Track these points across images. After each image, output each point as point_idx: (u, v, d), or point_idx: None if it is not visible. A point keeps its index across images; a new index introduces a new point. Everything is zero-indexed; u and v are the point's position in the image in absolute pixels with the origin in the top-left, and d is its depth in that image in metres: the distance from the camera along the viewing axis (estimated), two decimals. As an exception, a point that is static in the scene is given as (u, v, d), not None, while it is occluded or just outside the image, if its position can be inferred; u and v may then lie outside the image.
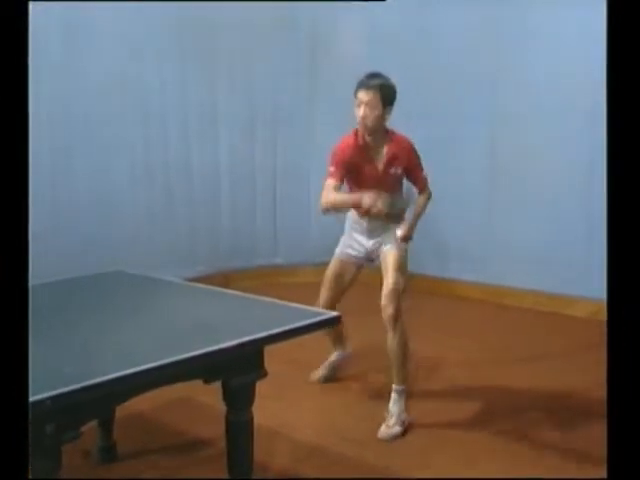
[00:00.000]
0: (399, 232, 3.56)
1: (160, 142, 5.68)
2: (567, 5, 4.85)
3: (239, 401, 2.58)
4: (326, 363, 4.11)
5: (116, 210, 5.44)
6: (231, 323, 2.65)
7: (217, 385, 2.54)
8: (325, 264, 3.80)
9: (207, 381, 2.50)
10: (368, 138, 3.49)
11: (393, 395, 3.50)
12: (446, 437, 3.39)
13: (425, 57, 5.57)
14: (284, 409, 3.66)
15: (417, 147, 3.59)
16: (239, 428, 2.61)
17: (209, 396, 2.83)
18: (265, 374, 2.60)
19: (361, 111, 3.40)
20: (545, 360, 4.37)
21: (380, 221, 3.56)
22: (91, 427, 2.86)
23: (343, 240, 3.76)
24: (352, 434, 3.41)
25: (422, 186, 3.63)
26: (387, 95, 3.42)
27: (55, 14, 4.80)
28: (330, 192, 3.45)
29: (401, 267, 3.54)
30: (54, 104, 4.97)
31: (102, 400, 2.16)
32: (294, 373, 4.12)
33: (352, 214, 3.70)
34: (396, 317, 3.41)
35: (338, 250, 3.76)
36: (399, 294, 3.47)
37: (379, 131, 3.48)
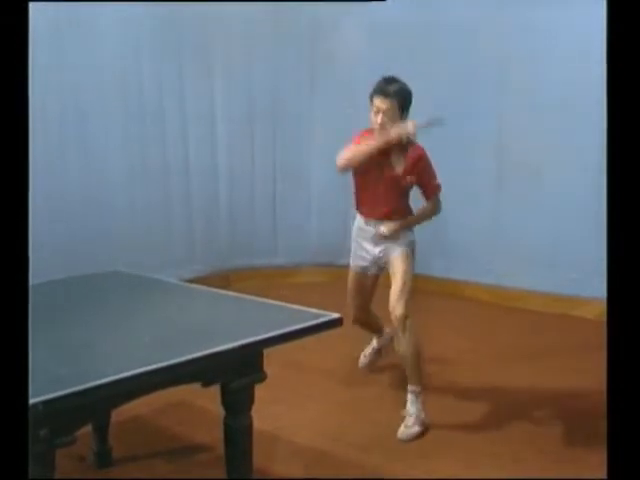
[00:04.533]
0: (382, 227, 3.52)
1: (158, 141, 5.64)
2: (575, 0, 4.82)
3: (238, 404, 2.56)
4: (369, 350, 4.11)
5: (113, 209, 5.40)
6: (230, 325, 2.63)
7: (215, 388, 2.51)
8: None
9: (205, 384, 2.48)
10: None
11: (409, 396, 3.45)
12: (451, 440, 3.36)
13: (428, 55, 5.51)
14: (284, 413, 3.62)
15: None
16: (238, 432, 2.58)
17: (207, 400, 2.80)
18: (264, 377, 2.58)
19: (379, 119, 3.31)
20: (551, 361, 4.34)
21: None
22: (86, 431, 2.82)
23: (353, 250, 3.70)
24: (353, 437, 3.37)
25: (430, 193, 3.54)
26: (405, 101, 3.34)
27: (51, 11, 4.75)
28: (346, 149, 3.37)
29: (408, 270, 3.51)
30: (50, 103, 4.92)
31: (97, 404, 2.13)
32: (294, 376, 4.09)
33: (358, 221, 3.65)
34: (405, 317, 3.37)
35: (351, 262, 3.71)
36: (407, 295, 3.44)
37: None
